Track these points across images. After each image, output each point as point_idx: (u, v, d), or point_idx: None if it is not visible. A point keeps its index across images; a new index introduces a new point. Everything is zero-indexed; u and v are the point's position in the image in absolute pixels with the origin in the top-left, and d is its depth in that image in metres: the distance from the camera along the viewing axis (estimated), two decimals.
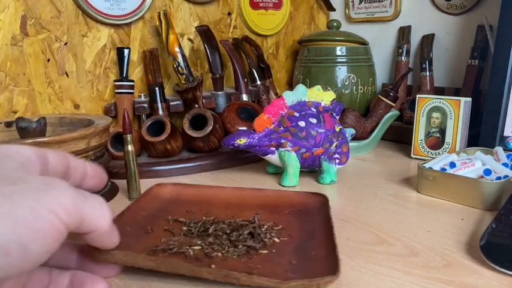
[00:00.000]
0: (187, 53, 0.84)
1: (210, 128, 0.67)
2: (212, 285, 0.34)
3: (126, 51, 0.74)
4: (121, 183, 0.60)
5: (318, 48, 0.89)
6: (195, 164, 0.68)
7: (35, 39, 0.68)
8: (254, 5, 0.93)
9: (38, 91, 0.69)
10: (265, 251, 0.39)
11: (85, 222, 0.27)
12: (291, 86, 1.03)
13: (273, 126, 0.60)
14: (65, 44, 0.71)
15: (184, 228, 0.44)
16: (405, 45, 0.91)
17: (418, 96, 0.71)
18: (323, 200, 0.49)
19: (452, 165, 0.55)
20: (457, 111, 0.67)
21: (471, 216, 0.48)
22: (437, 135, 0.70)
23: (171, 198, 0.52)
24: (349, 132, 0.64)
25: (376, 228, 0.45)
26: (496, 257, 0.36)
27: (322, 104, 0.62)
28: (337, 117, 0.63)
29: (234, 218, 0.46)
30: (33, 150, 0.29)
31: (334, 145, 0.60)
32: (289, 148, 0.59)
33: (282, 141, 0.59)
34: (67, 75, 0.72)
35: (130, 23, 0.77)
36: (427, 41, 0.89)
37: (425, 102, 0.70)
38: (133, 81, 0.75)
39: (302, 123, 0.59)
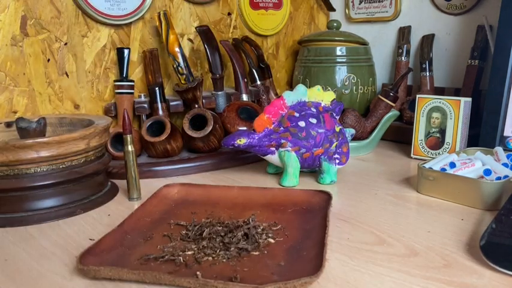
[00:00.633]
0: (187, 53, 0.84)
1: (210, 128, 0.67)
2: None
3: (126, 51, 0.74)
4: (121, 183, 0.60)
5: (318, 48, 0.89)
6: (195, 164, 0.68)
7: (35, 39, 0.68)
8: (254, 5, 0.93)
9: (38, 91, 0.69)
10: (257, 253, 0.40)
11: None
12: (291, 86, 1.03)
13: (273, 126, 0.60)
14: (65, 44, 0.71)
15: (183, 232, 0.44)
16: (405, 45, 0.91)
17: (418, 96, 0.71)
18: (327, 198, 0.50)
19: (452, 165, 0.55)
20: (457, 111, 0.67)
21: (471, 216, 0.48)
22: (437, 135, 0.70)
23: (178, 199, 0.53)
24: (349, 132, 0.64)
25: (376, 228, 0.45)
26: (496, 257, 0.36)
27: (322, 104, 0.62)
28: (337, 117, 0.63)
29: (234, 219, 0.46)
30: None
31: (334, 145, 0.60)
32: (289, 148, 0.59)
33: (282, 141, 0.59)
34: (67, 75, 0.72)
35: (130, 23, 0.77)
36: (427, 41, 0.89)
37: (425, 102, 0.70)
38: (133, 81, 0.75)
39: (302, 124, 0.59)
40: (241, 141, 0.59)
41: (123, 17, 0.74)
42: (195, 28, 0.80)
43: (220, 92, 0.82)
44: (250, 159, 0.71)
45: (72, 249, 0.42)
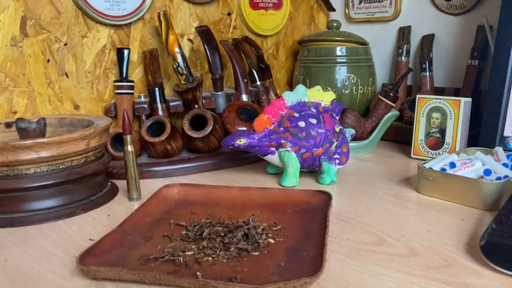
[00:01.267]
0: (187, 53, 0.84)
1: (210, 128, 0.67)
2: None
3: (125, 51, 0.74)
4: (121, 183, 0.60)
5: (318, 48, 0.89)
6: (195, 165, 0.68)
7: (35, 39, 0.68)
8: (254, 5, 0.93)
9: (37, 92, 0.69)
10: (257, 253, 0.40)
11: None
12: (291, 86, 1.03)
13: (272, 126, 0.60)
14: (65, 44, 0.71)
15: (183, 232, 0.44)
16: (405, 46, 0.91)
17: (418, 96, 0.71)
18: (327, 198, 0.50)
19: (452, 165, 0.55)
20: (457, 112, 0.67)
21: (471, 216, 0.48)
22: (437, 135, 0.70)
23: (178, 199, 0.53)
24: (349, 132, 0.64)
25: (376, 228, 0.45)
26: (496, 257, 0.36)
27: (322, 105, 0.62)
28: (337, 118, 0.63)
29: (234, 219, 0.46)
30: None
31: (334, 145, 0.60)
32: (289, 148, 0.59)
33: (282, 141, 0.59)
34: (67, 75, 0.72)
35: (130, 23, 0.77)
36: (427, 41, 0.89)
37: (425, 103, 0.70)
38: (133, 81, 0.75)
39: (302, 124, 0.59)
40: (241, 142, 0.59)
41: (123, 17, 0.74)
42: (195, 28, 0.80)
43: (220, 92, 0.82)
44: (250, 159, 0.71)
45: (72, 250, 0.42)
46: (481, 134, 0.68)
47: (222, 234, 0.42)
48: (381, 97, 0.77)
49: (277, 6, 0.97)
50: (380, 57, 0.97)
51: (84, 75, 0.73)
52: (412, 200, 0.54)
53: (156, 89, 0.75)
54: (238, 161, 0.71)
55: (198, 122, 0.70)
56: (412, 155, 0.73)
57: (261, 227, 0.44)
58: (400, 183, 0.60)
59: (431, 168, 0.55)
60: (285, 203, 0.51)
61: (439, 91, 0.87)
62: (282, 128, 0.59)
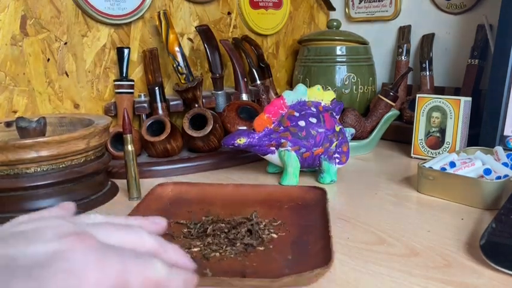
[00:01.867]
0: (187, 52, 0.84)
1: (210, 127, 0.67)
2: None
3: (126, 51, 0.74)
4: (121, 183, 0.60)
5: (318, 47, 0.89)
6: (195, 164, 0.68)
7: (35, 39, 0.68)
8: (254, 5, 0.93)
9: (37, 91, 0.69)
10: (263, 248, 0.40)
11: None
12: (291, 85, 1.03)
13: (273, 125, 0.60)
14: (65, 43, 0.71)
15: (185, 230, 0.44)
16: (405, 45, 0.91)
17: (418, 95, 0.71)
18: (322, 194, 0.50)
19: (452, 164, 0.55)
20: (457, 111, 0.67)
21: (471, 215, 0.48)
22: (437, 134, 0.70)
23: (172, 197, 0.52)
24: (349, 131, 0.64)
25: (376, 228, 0.45)
26: (496, 256, 0.36)
27: (322, 104, 0.62)
28: (337, 117, 0.63)
29: (234, 216, 0.46)
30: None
31: (334, 145, 0.60)
32: (289, 148, 0.59)
33: (282, 140, 0.59)
34: (67, 75, 0.72)
35: (130, 22, 0.77)
36: (427, 40, 0.89)
37: (425, 102, 0.70)
38: (133, 81, 0.75)
39: (302, 123, 0.59)
40: (241, 141, 0.59)
41: (123, 16, 0.74)
42: (195, 27, 0.80)
43: (220, 92, 0.82)
44: (250, 158, 0.71)
45: None
46: (481, 134, 0.68)
47: (226, 230, 0.42)
48: (381, 96, 0.77)
49: (277, 5, 0.97)
50: (380, 57, 0.97)
51: (84, 75, 0.73)
52: (412, 199, 0.54)
53: (156, 88, 0.75)
54: (238, 160, 0.71)
55: (198, 122, 0.70)
56: (412, 155, 0.73)
57: (263, 223, 0.44)
58: (400, 182, 0.60)
59: (431, 167, 0.55)
60: (280, 199, 0.51)
61: (439, 90, 0.87)
62: (282, 127, 0.59)
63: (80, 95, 0.73)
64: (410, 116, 0.81)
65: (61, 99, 0.71)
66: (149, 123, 0.68)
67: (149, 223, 0.29)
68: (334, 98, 0.63)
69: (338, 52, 0.87)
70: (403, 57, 0.91)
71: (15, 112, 0.67)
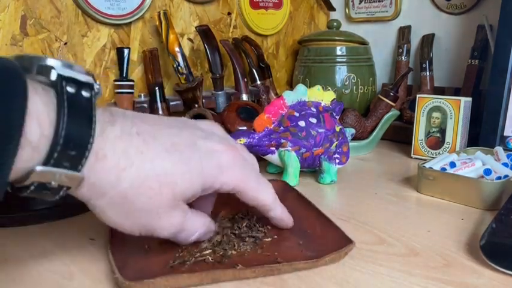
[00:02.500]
0: (187, 52, 0.84)
1: None
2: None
3: (126, 51, 0.74)
4: None
5: (318, 48, 0.89)
6: None
7: (35, 39, 0.68)
8: (254, 5, 0.93)
9: None
10: (269, 239, 0.40)
11: (248, 194, 0.37)
12: (291, 85, 1.03)
13: (273, 126, 0.60)
14: (65, 43, 0.71)
15: None
16: (405, 45, 0.91)
17: (418, 96, 0.71)
18: (282, 185, 0.51)
19: (453, 165, 0.55)
20: (457, 111, 0.67)
21: (471, 216, 0.48)
22: (438, 135, 0.70)
23: None
24: (349, 132, 0.64)
25: (376, 228, 0.45)
26: (496, 256, 0.36)
27: (322, 104, 0.62)
28: (337, 117, 0.63)
29: (222, 215, 0.45)
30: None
31: (334, 145, 0.60)
32: (289, 148, 0.59)
33: (282, 141, 0.59)
34: None
35: (130, 22, 0.77)
36: (427, 40, 0.89)
37: (425, 102, 0.70)
38: (133, 81, 0.75)
39: (302, 123, 0.59)
40: (241, 141, 0.59)
41: (123, 16, 0.74)
42: (195, 28, 0.80)
43: (220, 92, 0.82)
44: None
45: (73, 249, 0.42)
46: (481, 134, 0.68)
47: (229, 226, 0.42)
48: (381, 97, 0.77)
49: (278, 5, 0.97)
50: (380, 57, 0.97)
51: None
52: (412, 199, 0.54)
53: (156, 88, 0.75)
54: None
55: None
56: (412, 155, 0.73)
57: (255, 217, 0.44)
58: (400, 182, 0.60)
59: (431, 167, 0.55)
60: None
61: (439, 91, 0.87)
62: (282, 128, 0.59)
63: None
64: (411, 116, 0.81)
65: None
66: None
67: None
68: (334, 98, 0.63)
69: (338, 52, 0.87)
70: (403, 58, 0.91)
71: None
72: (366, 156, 0.75)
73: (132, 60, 0.78)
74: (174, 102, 0.76)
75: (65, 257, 0.40)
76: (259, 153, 0.60)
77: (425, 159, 0.61)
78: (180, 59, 0.75)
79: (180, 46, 0.75)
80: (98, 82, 0.30)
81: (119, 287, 0.33)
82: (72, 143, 0.27)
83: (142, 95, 0.77)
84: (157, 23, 0.75)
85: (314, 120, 0.60)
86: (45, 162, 0.27)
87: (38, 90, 0.27)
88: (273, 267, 0.34)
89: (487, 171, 0.52)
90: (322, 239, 0.39)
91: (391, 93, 0.77)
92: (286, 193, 0.49)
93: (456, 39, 0.87)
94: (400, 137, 0.82)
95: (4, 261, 0.40)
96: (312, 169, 0.63)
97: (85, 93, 0.29)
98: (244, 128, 0.71)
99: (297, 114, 0.60)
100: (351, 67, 0.87)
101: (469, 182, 0.51)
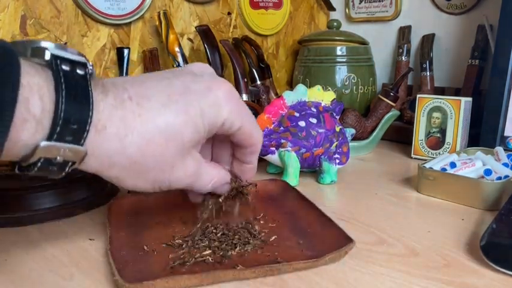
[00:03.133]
0: (187, 52, 0.84)
1: None
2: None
3: (125, 51, 0.74)
4: None
5: (318, 48, 0.89)
6: None
7: (35, 39, 0.68)
8: (254, 5, 0.93)
9: None
10: (269, 239, 0.40)
11: (245, 128, 0.37)
12: (291, 86, 1.03)
13: (273, 126, 0.60)
14: (65, 43, 0.71)
15: (178, 240, 0.40)
16: (405, 45, 0.91)
17: (418, 96, 0.71)
18: (282, 185, 0.51)
19: (453, 165, 0.55)
20: (458, 111, 0.67)
21: (471, 216, 0.48)
22: (438, 135, 0.70)
23: (132, 211, 0.47)
24: (349, 132, 0.64)
25: (376, 228, 0.45)
26: (497, 257, 0.36)
27: (322, 104, 0.62)
28: (337, 117, 0.63)
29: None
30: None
31: (334, 145, 0.60)
32: (289, 148, 0.59)
33: (282, 141, 0.59)
34: None
35: (130, 22, 0.77)
36: (427, 40, 0.89)
37: (425, 102, 0.70)
38: None
39: (302, 123, 0.59)
40: None
41: (123, 16, 0.74)
42: (195, 28, 0.80)
43: None
44: None
45: (72, 250, 0.42)
46: (481, 134, 0.68)
47: (222, 226, 0.42)
48: (381, 97, 0.77)
49: (278, 5, 0.97)
50: (380, 57, 0.97)
51: None
52: (412, 200, 0.54)
53: None
54: None
55: None
56: (412, 155, 0.72)
57: (251, 218, 0.44)
58: (400, 183, 0.60)
59: (431, 168, 0.55)
60: None
61: (440, 91, 0.87)
62: (282, 128, 0.59)
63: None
64: (411, 116, 0.81)
65: None
66: None
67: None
68: (334, 99, 0.63)
69: (338, 52, 0.87)
70: (403, 58, 0.91)
71: None
72: (366, 157, 0.75)
73: (132, 60, 0.78)
74: None
75: (64, 257, 0.40)
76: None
77: (425, 160, 0.61)
78: (180, 59, 0.75)
79: (180, 46, 0.75)
80: (91, 63, 0.31)
81: None
82: (73, 117, 0.28)
83: None
84: (157, 23, 0.75)
85: (314, 121, 0.60)
86: (49, 137, 0.28)
87: (35, 67, 0.28)
88: (273, 267, 0.34)
89: (488, 172, 0.52)
90: (322, 238, 0.39)
91: (391, 93, 0.76)
92: (286, 193, 0.49)
93: (456, 39, 0.87)
94: (400, 137, 0.82)
95: (4, 261, 0.40)
96: (312, 169, 0.63)
97: (80, 71, 0.29)
98: None
99: (297, 114, 0.60)
100: (351, 67, 0.87)
101: (470, 182, 0.51)
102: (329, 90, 0.84)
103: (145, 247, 0.39)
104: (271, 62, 0.99)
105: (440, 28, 0.89)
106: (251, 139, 0.38)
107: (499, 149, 0.59)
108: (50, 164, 0.29)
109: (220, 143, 0.41)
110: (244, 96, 0.83)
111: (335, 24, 0.91)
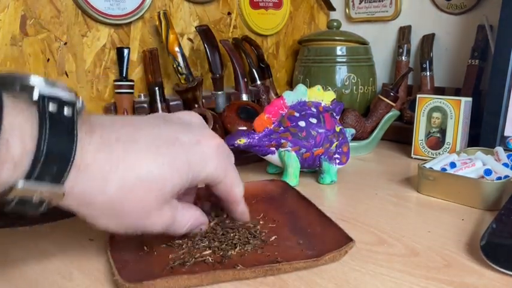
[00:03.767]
0: (187, 52, 0.84)
1: (210, 127, 0.67)
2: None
3: (125, 51, 0.74)
4: None
5: (318, 48, 0.89)
6: None
7: (35, 39, 0.68)
8: (254, 5, 0.93)
9: None
10: (269, 239, 0.40)
11: (226, 185, 0.38)
12: (291, 86, 1.03)
13: (273, 126, 0.60)
14: (65, 43, 0.71)
15: (178, 240, 0.40)
16: (405, 45, 0.91)
17: (418, 96, 0.71)
18: (282, 185, 0.51)
19: (453, 165, 0.55)
20: (458, 111, 0.67)
21: (471, 216, 0.48)
22: (438, 135, 0.70)
23: None
24: (349, 132, 0.64)
25: (376, 228, 0.45)
26: (497, 257, 0.36)
27: (323, 104, 0.62)
28: (338, 117, 0.63)
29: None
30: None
31: (334, 145, 0.60)
32: (289, 148, 0.59)
33: (282, 141, 0.59)
34: (67, 75, 0.72)
35: (130, 22, 0.77)
36: (427, 40, 0.89)
37: (425, 102, 0.70)
38: (133, 81, 0.75)
39: (302, 123, 0.59)
40: (241, 141, 0.59)
41: (123, 16, 0.74)
42: (195, 28, 0.80)
43: (220, 92, 0.82)
44: (250, 159, 0.71)
45: (72, 250, 0.42)
46: (481, 134, 0.68)
47: (222, 226, 0.42)
48: (381, 97, 0.77)
49: (278, 5, 0.97)
50: (380, 57, 0.97)
51: (84, 75, 0.73)
52: (412, 200, 0.54)
53: (156, 88, 0.75)
54: (238, 160, 0.70)
55: None
56: (412, 155, 0.72)
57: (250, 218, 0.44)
58: (400, 183, 0.60)
59: (431, 168, 0.55)
60: (245, 196, 0.50)
61: (440, 91, 0.87)
62: (282, 128, 0.59)
63: (80, 95, 0.73)
64: (411, 116, 0.81)
65: None
66: None
67: None
68: (334, 99, 0.63)
69: (338, 52, 0.87)
70: (403, 58, 0.91)
71: None
72: (366, 157, 0.75)
73: (132, 60, 0.78)
74: (174, 102, 0.76)
75: (64, 257, 0.40)
76: (259, 153, 0.60)
77: (425, 160, 0.61)
78: (180, 59, 0.75)
79: (180, 46, 0.75)
80: (80, 98, 0.31)
81: None
82: (54, 158, 0.28)
83: (142, 95, 0.77)
84: (157, 23, 0.75)
85: (314, 121, 0.60)
86: (28, 177, 0.28)
87: (19, 105, 0.28)
88: (273, 267, 0.34)
89: (488, 172, 0.52)
90: (322, 237, 0.39)
91: (391, 93, 0.76)
92: (286, 193, 0.49)
93: (456, 39, 0.87)
94: (400, 137, 0.82)
95: (4, 261, 0.40)
96: (312, 169, 0.63)
97: (67, 111, 0.29)
98: (244, 128, 0.71)
99: (297, 114, 0.60)
100: (351, 67, 0.87)
101: (470, 182, 0.51)
102: (329, 90, 0.84)
103: (145, 247, 0.39)
104: (271, 62, 0.99)
105: (440, 28, 0.89)
106: (230, 195, 0.39)
107: (499, 149, 0.59)
108: (25, 203, 0.29)
109: None
110: (244, 96, 0.83)
111: (335, 24, 0.91)
